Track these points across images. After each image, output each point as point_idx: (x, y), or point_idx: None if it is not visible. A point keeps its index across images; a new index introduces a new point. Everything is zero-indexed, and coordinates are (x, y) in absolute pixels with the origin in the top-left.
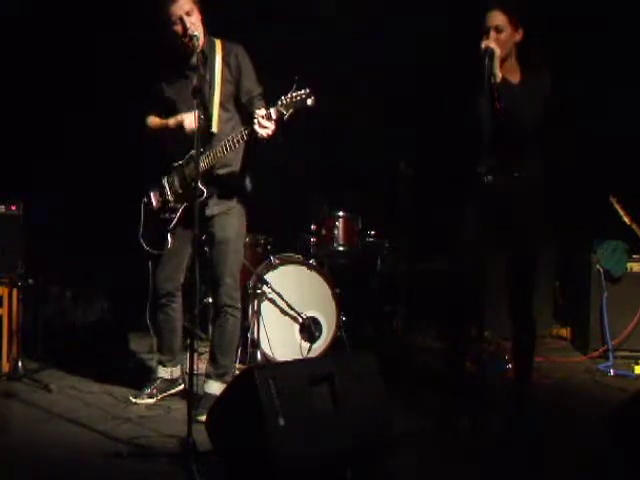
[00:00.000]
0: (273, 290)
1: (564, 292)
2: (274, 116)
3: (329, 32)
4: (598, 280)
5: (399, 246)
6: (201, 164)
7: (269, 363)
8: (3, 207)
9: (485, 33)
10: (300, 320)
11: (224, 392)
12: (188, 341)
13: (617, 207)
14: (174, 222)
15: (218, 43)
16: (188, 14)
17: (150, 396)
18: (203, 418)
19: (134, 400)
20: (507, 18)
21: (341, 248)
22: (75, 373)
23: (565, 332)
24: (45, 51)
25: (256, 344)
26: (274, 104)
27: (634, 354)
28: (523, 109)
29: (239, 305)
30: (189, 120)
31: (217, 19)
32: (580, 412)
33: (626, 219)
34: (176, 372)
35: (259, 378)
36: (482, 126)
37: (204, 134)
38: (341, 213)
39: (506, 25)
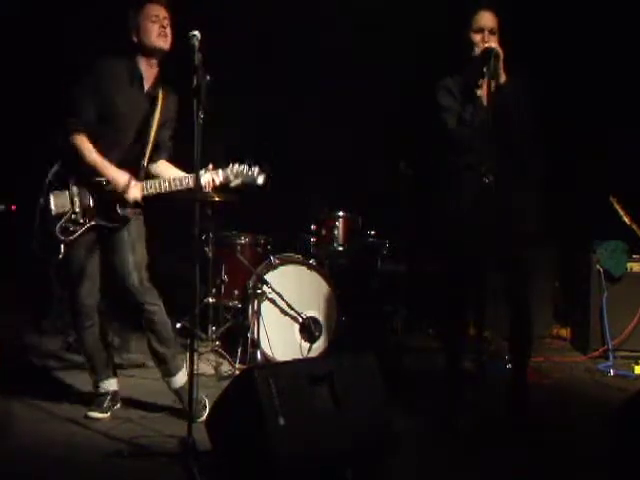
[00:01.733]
0: (273, 290)
1: (564, 292)
2: (221, 178)
3: (329, 32)
4: (598, 280)
5: (399, 246)
6: (145, 192)
7: (269, 363)
8: (3, 206)
9: (477, 32)
10: (300, 320)
11: (224, 392)
12: (188, 341)
13: (617, 207)
14: (75, 235)
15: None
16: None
17: (106, 410)
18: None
19: (90, 414)
20: (497, 21)
21: (341, 248)
22: (75, 373)
23: (565, 332)
24: (45, 51)
25: (256, 344)
26: (224, 169)
27: (634, 354)
28: (519, 109)
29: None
30: (134, 191)
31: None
32: (580, 412)
33: (626, 219)
34: (116, 382)
35: (259, 378)
36: (468, 126)
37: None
38: (341, 213)
39: (497, 28)
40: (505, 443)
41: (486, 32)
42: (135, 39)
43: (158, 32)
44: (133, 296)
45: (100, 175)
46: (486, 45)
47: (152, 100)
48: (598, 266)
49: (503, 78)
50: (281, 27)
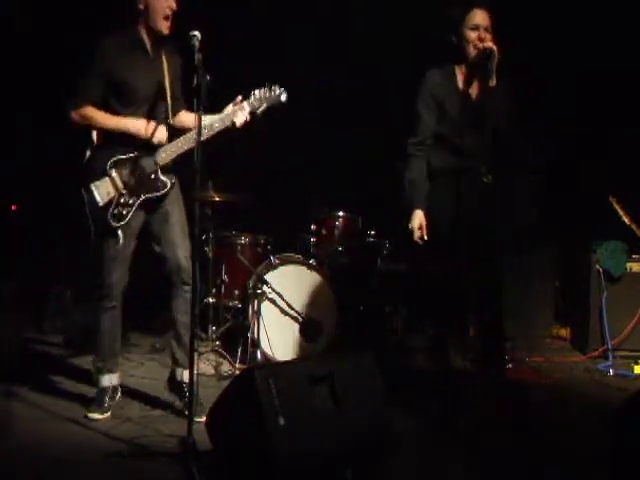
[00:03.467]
0: (273, 290)
1: (564, 292)
2: (248, 109)
3: (329, 32)
4: (598, 280)
5: (399, 246)
6: (163, 155)
7: (269, 363)
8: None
9: (473, 29)
10: (300, 320)
11: (224, 392)
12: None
13: (617, 207)
14: (128, 217)
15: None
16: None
17: (107, 410)
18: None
19: (90, 415)
20: (492, 20)
21: (341, 248)
22: (75, 373)
23: (565, 332)
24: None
25: (256, 344)
26: (247, 98)
27: (634, 354)
28: (508, 109)
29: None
30: (160, 133)
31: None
32: (580, 412)
33: (626, 219)
34: (118, 377)
35: (259, 378)
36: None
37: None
38: (341, 213)
39: (491, 28)
40: (505, 443)
41: (481, 30)
42: (141, 7)
43: (165, 15)
44: (178, 276)
45: (124, 139)
46: (485, 45)
47: (158, 63)
48: (598, 266)
49: (494, 80)
50: (281, 27)
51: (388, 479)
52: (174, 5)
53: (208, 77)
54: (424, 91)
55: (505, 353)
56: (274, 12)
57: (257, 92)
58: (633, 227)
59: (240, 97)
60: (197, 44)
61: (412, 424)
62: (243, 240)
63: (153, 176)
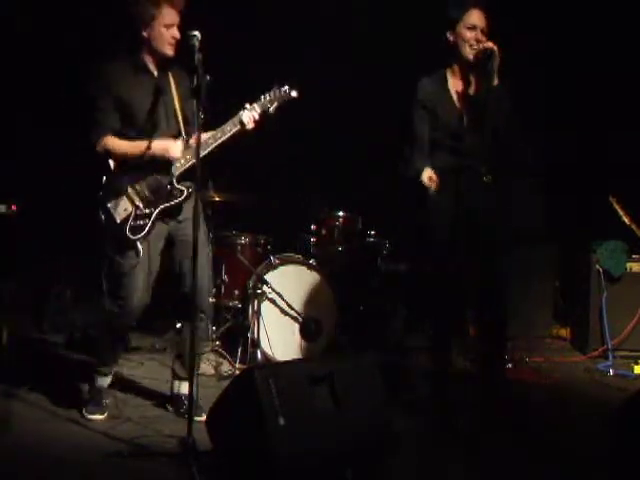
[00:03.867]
0: (273, 290)
1: (564, 292)
2: (259, 110)
3: (331, 32)
4: (598, 280)
5: (399, 246)
6: (178, 165)
7: (269, 363)
8: (4, 207)
9: (470, 29)
10: (300, 320)
11: (224, 392)
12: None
13: (617, 207)
14: (147, 229)
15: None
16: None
17: (105, 410)
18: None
19: (90, 416)
20: (488, 22)
21: (341, 248)
22: (75, 373)
23: (565, 332)
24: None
25: (256, 344)
26: (257, 100)
27: (634, 354)
28: (508, 109)
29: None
30: (174, 148)
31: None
32: (580, 412)
33: (626, 219)
34: (109, 380)
35: (259, 378)
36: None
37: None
38: (341, 213)
39: (487, 29)
40: (505, 443)
41: (478, 30)
42: (145, 35)
43: (169, 41)
44: (196, 302)
45: (142, 161)
46: (486, 45)
47: (165, 83)
48: (598, 266)
49: (496, 80)
50: (281, 26)
51: (388, 479)
52: (178, 35)
53: (208, 77)
54: (415, 103)
55: (506, 353)
56: (277, 12)
57: (268, 95)
58: (633, 227)
59: (248, 105)
60: (197, 44)
61: (412, 424)
62: (243, 240)
63: (169, 186)
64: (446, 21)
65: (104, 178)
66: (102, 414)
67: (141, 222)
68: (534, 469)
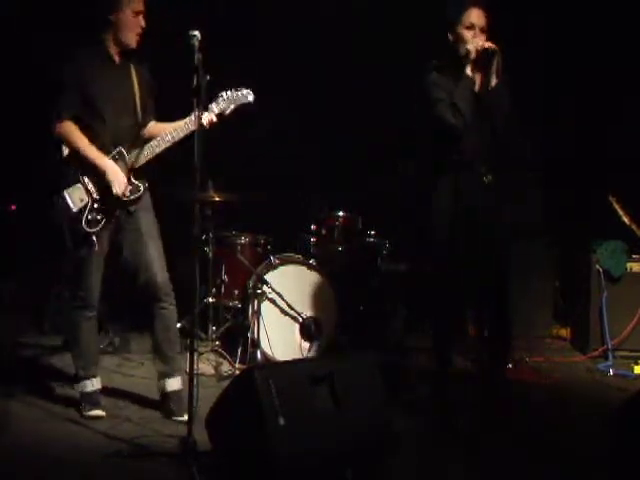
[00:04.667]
0: (273, 290)
1: (564, 292)
2: (216, 110)
3: (329, 31)
4: (598, 280)
5: (399, 246)
6: (139, 158)
7: (269, 363)
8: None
9: (469, 28)
10: (300, 320)
11: (224, 392)
12: (188, 341)
13: (617, 207)
14: (102, 223)
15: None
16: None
17: (103, 408)
18: (183, 419)
19: (91, 414)
20: (487, 20)
21: (341, 248)
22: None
23: (565, 332)
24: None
25: (256, 344)
26: (215, 100)
27: (634, 354)
28: (507, 107)
29: (172, 293)
30: (118, 182)
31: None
32: (580, 412)
33: (626, 219)
34: (99, 381)
35: (259, 378)
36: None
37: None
38: (341, 213)
39: (486, 28)
40: (505, 443)
41: (477, 29)
42: (112, 19)
43: (136, 31)
44: (153, 291)
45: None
46: (487, 44)
47: (125, 74)
48: (598, 266)
49: (495, 80)
50: (281, 26)
51: (388, 479)
52: (143, 24)
53: (208, 77)
54: (428, 84)
55: (510, 352)
56: (277, 12)
57: (224, 95)
58: (633, 227)
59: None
60: (197, 44)
61: (412, 424)
62: (243, 240)
63: (127, 179)
64: (446, 22)
65: (58, 163)
66: (101, 410)
67: (97, 216)
68: (534, 469)
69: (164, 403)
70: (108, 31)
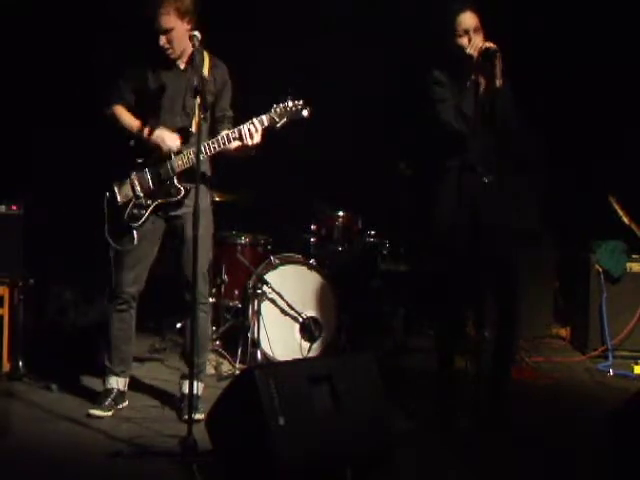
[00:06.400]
0: (273, 290)
1: (564, 292)
2: (266, 123)
3: (329, 31)
4: (598, 280)
5: (399, 246)
6: (180, 162)
7: (269, 363)
8: (3, 207)
9: (463, 35)
10: (300, 320)
11: (224, 392)
12: (188, 341)
13: (616, 207)
14: (143, 219)
15: (206, 54)
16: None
17: (108, 409)
18: (201, 416)
19: (92, 412)
20: (479, 17)
21: (341, 248)
22: (75, 373)
23: (565, 332)
24: (45, 49)
25: (256, 344)
26: (268, 111)
27: (633, 354)
28: (512, 109)
29: (208, 300)
30: (170, 140)
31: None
32: (580, 412)
33: (625, 219)
34: (125, 384)
35: (259, 378)
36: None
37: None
38: (341, 213)
39: (480, 25)
40: (505, 443)
41: (471, 32)
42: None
43: (163, 49)
44: (187, 294)
45: (142, 143)
46: (486, 45)
47: (187, 79)
48: (598, 266)
49: (500, 81)
50: (281, 26)
51: (388, 479)
52: (161, 42)
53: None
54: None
55: (515, 353)
56: (277, 12)
57: (278, 107)
58: (633, 227)
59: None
60: (197, 44)
61: (412, 424)
62: (243, 240)
63: (168, 182)
64: (446, 31)
65: (113, 159)
66: (103, 411)
67: (138, 212)
68: (534, 469)
69: (181, 402)
70: None
